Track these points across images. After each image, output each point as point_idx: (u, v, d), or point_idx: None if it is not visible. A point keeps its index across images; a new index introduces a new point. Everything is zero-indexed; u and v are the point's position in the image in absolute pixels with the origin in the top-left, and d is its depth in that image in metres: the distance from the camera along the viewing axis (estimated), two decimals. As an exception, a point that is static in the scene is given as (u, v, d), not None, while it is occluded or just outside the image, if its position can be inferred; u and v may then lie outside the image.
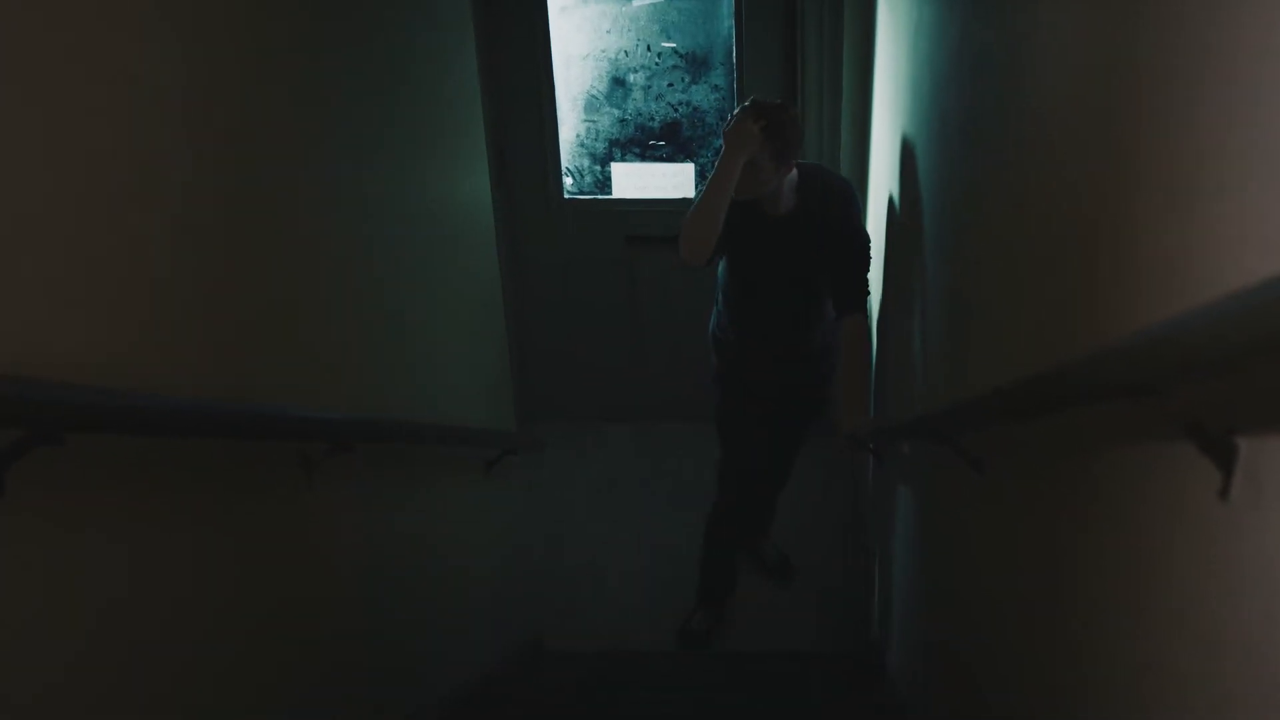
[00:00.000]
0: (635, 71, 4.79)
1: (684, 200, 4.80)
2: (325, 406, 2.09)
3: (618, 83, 4.82)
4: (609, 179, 5.03)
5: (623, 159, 4.98)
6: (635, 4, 4.68)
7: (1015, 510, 1.83)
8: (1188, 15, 1.05)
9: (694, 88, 4.81)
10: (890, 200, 3.43)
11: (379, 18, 2.50)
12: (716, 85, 4.79)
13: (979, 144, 2.10)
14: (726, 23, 4.66)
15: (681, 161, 4.96)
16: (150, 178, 1.47)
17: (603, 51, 4.76)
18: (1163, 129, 1.11)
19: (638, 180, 5.01)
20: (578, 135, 4.93)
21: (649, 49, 4.74)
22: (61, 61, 1.25)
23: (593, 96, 4.86)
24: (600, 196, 5.05)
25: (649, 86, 4.81)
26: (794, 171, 3.32)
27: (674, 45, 4.74)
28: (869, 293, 3.42)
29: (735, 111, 3.20)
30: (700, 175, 4.89)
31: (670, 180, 4.98)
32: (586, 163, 5.00)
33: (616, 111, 4.88)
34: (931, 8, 2.60)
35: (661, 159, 4.96)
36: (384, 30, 2.54)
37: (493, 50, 4.63)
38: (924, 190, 2.77)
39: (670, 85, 4.80)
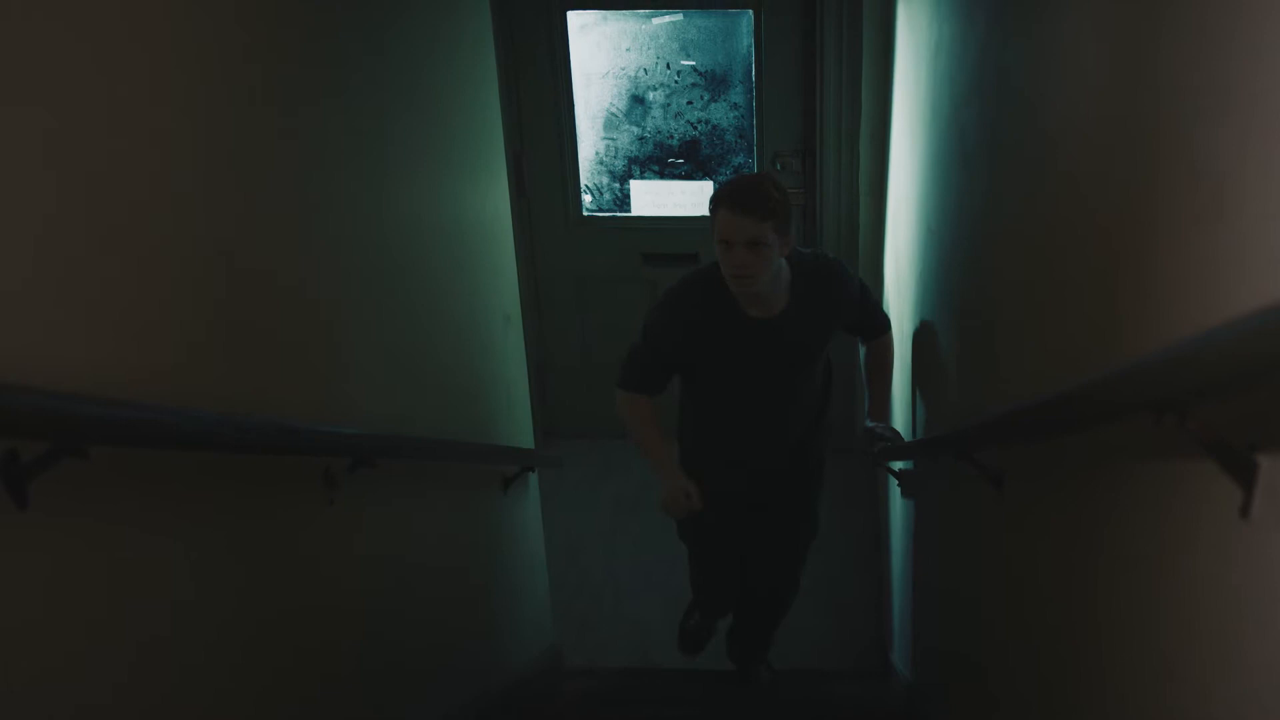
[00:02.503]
0: (654, 89, 4.80)
1: (703, 218, 4.80)
2: (346, 421, 2.10)
3: (637, 100, 4.84)
4: (628, 196, 5.04)
5: (641, 177, 5.00)
6: (655, 22, 4.70)
7: (1035, 525, 1.83)
8: (1209, 34, 1.06)
9: (713, 106, 4.82)
10: (910, 218, 3.43)
11: (400, 35, 2.52)
12: (735, 103, 4.81)
13: (1000, 162, 2.10)
14: (746, 41, 4.68)
15: (700, 179, 4.97)
16: (176, 194, 1.48)
17: (622, 69, 4.78)
18: (1185, 146, 1.11)
19: (656, 198, 5.02)
20: (597, 153, 4.95)
21: (668, 67, 4.76)
22: (85, 79, 1.27)
23: (612, 114, 4.88)
24: (619, 214, 5.06)
25: (668, 104, 4.83)
26: (784, 265, 2.87)
27: (693, 63, 4.75)
28: (884, 312, 3.36)
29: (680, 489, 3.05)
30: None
31: (689, 198, 4.99)
32: (605, 180, 5.02)
33: (635, 129, 4.90)
34: (952, 26, 2.61)
35: (680, 177, 4.97)
36: (405, 48, 2.56)
37: (513, 68, 4.66)
38: (944, 208, 2.77)
39: (689, 103, 4.81)
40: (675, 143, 4.91)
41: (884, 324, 3.28)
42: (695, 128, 4.87)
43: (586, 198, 5.03)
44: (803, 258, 2.99)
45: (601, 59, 4.78)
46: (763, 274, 2.74)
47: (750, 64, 4.70)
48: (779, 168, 4.77)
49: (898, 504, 3.76)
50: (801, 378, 3.10)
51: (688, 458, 3.26)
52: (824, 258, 3.09)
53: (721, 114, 4.84)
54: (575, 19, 4.67)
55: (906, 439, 3.33)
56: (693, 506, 3.09)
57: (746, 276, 2.74)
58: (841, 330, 3.16)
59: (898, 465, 3.57)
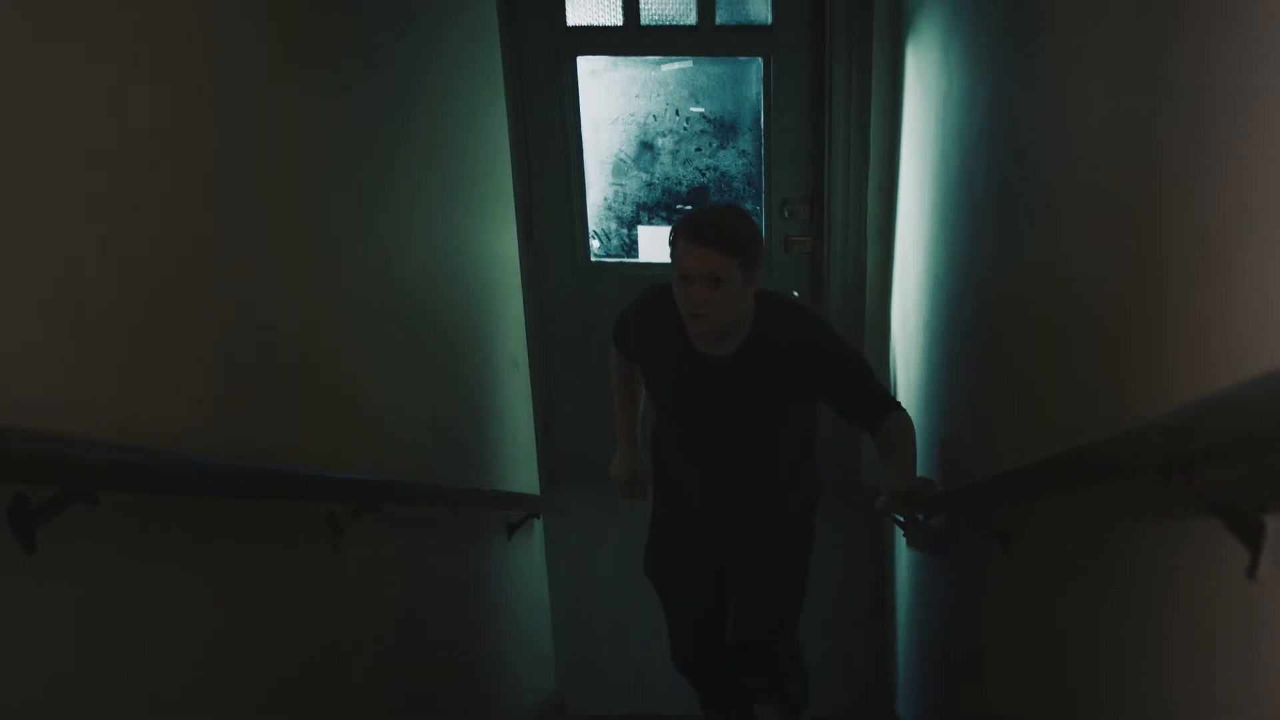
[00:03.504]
0: (663, 136, 4.83)
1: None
2: (352, 466, 2.09)
3: (646, 146, 4.87)
4: (635, 242, 5.06)
5: (650, 223, 5.01)
6: (665, 69, 4.73)
7: (1042, 580, 1.82)
8: (1212, 89, 1.06)
9: (722, 153, 4.85)
10: (918, 267, 3.44)
11: (410, 78, 2.54)
12: (744, 150, 4.83)
13: (1008, 213, 2.11)
14: (755, 88, 4.70)
15: (708, 225, 4.98)
16: (186, 239, 1.49)
17: (631, 115, 4.81)
18: (1193, 202, 1.12)
19: (664, 244, 5.03)
20: (605, 198, 4.97)
21: (677, 113, 4.78)
22: (101, 126, 1.28)
23: (621, 160, 4.90)
24: (627, 259, 5.07)
25: (677, 151, 4.85)
26: (751, 308, 2.55)
27: (702, 110, 4.78)
28: (891, 394, 2.74)
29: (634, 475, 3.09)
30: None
31: (697, 244, 4.99)
32: (613, 226, 5.03)
33: (644, 175, 4.92)
34: (962, 78, 2.63)
35: (688, 222, 4.99)
36: (416, 91, 2.58)
37: (523, 112, 4.68)
38: (953, 258, 2.77)
39: (698, 150, 4.84)
40: (684, 189, 4.93)
41: (887, 403, 2.65)
42: (704, 174, 4.89)
43: (594, 243, 5.04)
44: (783, 309, 2.63)
45: (611, 105, 4.81)
46: (723, 314, 2.44)
47: (759, 111, 4.73)
48: (787, 214, 4.79)
49: (904, 552, 3.74)
50: (744, 434, 2.75)
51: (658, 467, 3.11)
52: (812, 317, 2.69)
53: (730, 161, 4.86)
54: (585, 64, 4.70)
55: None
56: (634, 492, 3.14)
57: (703, 316, 2.44)
58: (835, 411, 2.71)
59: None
